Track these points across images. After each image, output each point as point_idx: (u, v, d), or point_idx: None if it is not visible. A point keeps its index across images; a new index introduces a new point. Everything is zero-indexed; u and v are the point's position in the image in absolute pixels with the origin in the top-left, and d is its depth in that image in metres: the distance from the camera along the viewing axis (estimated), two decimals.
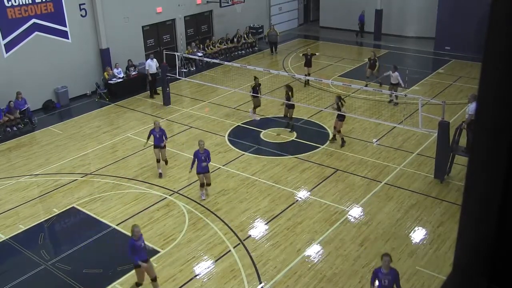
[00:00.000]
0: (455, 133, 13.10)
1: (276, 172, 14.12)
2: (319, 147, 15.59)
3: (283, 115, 17.05)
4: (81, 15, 20.57)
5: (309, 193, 13.04)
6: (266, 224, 11.76)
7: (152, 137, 13.80)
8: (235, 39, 27.15)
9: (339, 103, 15.13)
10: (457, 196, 12.52)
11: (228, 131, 17.13)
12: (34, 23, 19.08)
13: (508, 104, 1.60)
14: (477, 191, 1.81)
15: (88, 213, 12.54)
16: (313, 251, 10.74)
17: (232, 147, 15.89)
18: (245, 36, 27.67)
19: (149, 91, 20.95)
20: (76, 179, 14.27)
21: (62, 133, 17.66)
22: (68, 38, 20.27)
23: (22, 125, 18.17)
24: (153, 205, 12.74)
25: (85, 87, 21.19)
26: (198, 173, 12.49)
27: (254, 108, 17.99)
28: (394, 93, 17.93)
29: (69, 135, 17.46)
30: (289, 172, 14.09)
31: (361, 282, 9.71)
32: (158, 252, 10.80)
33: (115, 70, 21.24)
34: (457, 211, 11.49)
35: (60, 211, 12.67)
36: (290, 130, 16.77)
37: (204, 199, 12.74)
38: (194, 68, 24.41)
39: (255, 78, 17.98)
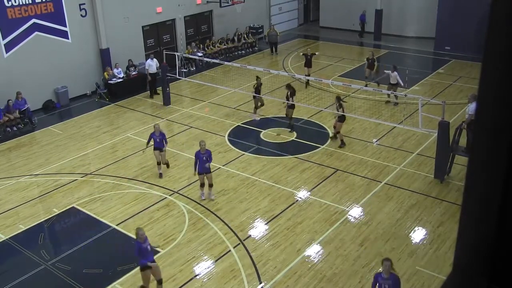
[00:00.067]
0: (455, 133, 13.10)
1: (276, 172, 14.12)
2: (319, 147, 15.59)
3: (285, 115, 17.02)
4: (81, 15, 20.57)
5: (309, 193, 13.04)
6: (266, 224, 11.76)
7: (152, 140, 13.77)
8: (235, 38, 27.14)
9: (339, 104, 15.15)
10: (457, 196, 12.52)
11: (228, 131, 17.13)
12: (34, 23, 19.08)
13: (508, 104, 1.60)
14: (477, 191, 1.81)
15: (88, 213, 12.54)
16: (313, 251, 10.74)
17: (232, 147, 15.89)
18: (245, 36, 27.68)
19: (151, 91, 20.93)
20: (76, 179, 14.27)
21: (62, 133, 17.66)
22: (68, 38, 20.28)
23: (22, 125, 18.17)
24: (153, 205, 12.74)
25: (85, 87, 21.19)
26: (199, 173, 12.43)
27: (255, 108, 17.96)
28: (394, 93, 17.93)
29: (69, 135, 17.46)
30: (289, 172, 14.09)
31: (361, 282, 9.71)
32: (158, 252, 10.79)
33: (115, 70, 21.24)
34: (457, 211, 11.49)
35: (60, 211, 12.67)
36: (290, 130, 16.76)
37: (204, 199, 12.74)
38: (194, 68, 24.42)
39: (257, 77, 17.96)
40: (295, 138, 16.38)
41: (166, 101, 19.67)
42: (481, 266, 1.84)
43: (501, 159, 1.67)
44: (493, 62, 1.64)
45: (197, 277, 10.09)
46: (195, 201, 12.78)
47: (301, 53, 22.65)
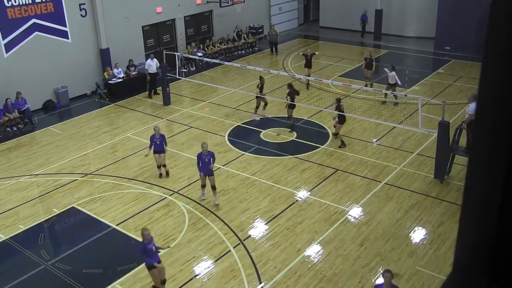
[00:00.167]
0: (455, 133, 13.10)
1: (276, 172, 14.12)
2: (319, 147, 15.59)
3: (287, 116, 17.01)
4: (81, 15, 20.57)
5: (309, 193, 13.04)
6: (266, 224, 11.76)
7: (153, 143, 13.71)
8: (235, 35, 27.10)
9: (337, 105, 15.16)
10: (457, 196, 12.52)
11: (228, 131, 17.13)
12: (34, 23, 19.08)
13: (508, 104, 1.60)
14: (477, 191, 1.81)
15: (88, 213, 12.54)
16: (313, 251, 10.74)
17: (232, 147, 15.89)
18: (245, 36, 27.69)
19: (150, 91, 20.90)
20: (76, 179, 14.27)
21: (62, 133, 17.66)
22: (68, 38, 20.28)
23: (22, 125, 18.17)
24: (153, 205, 12.73)
25: (85, 87, 21.19)
26: (201, 175, 12.38)
27: (256, 107, 17.93)
28: (393, 93, 17.93)
29: (69, 135, 17.46)
30: (289, 172, 14.09)
31: (361, 282, 9.71)
32: (159, 252, 10.77)
33: (115, 70, 21.24)
34: (457, 211, 11.49)
35: (60, 211, 12.67)
36: (290, 130, 16.76)
37: (204, 199, 12.73)
38: (194, 68, 24.42)
39: (261, 77, 17.94)
40: (295, 138, 16.38)
41: (166, 101, 19.67)
42: (481, 266, 1.84)
43: (501, 159, 1.67)
44: (493, 62, 1.64)
45: (197, 277, 10.09)
46: (195, 201, 12.78)
47: (301, 53, 22.64)
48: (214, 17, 26.93)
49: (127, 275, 10.16)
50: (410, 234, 11.19)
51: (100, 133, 17.56)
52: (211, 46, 25.86)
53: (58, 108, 20.08)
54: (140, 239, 11.19)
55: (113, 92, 20.83)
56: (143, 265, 10.28)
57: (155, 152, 13.65)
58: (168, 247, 10.37)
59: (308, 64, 21.10)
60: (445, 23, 25.27)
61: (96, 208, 12.68)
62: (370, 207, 12.29)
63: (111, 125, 18.34)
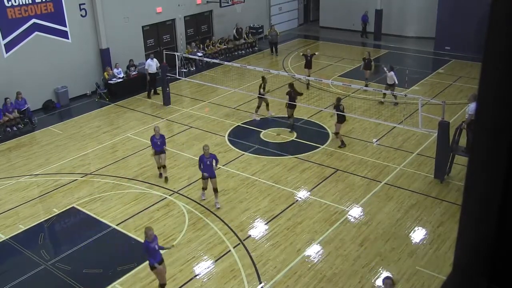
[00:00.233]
0: (455, 133, 13.09)
1: (276, 172, 14.12)
2: (319, 147, 15.59)
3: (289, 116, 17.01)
4: (81, 15, 20.57)
5: (309, 193, 13.04)
6: (266, 224, 11.76)
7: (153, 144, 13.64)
8: (235, 33, 27.07)
9: (336, 105, 15.18)
10: (457, 196, 12.52)
11: (228, 131, 17.13)
12: (34, 23, 19.08)
13: (508, 104, 1.60)
14: (477, 191, 1.81)
15: (88, 213, 12.54)
16: (313, 251, 10.74)
17: (232, 147, 15.89)
18: (245, 36, 27.69)
19: (150, 91, 20.89)
20: (76, 179, 14.27)
21: (62, 133, 17.66)
22: (68, 38, 20.28)
23: (22, 125, 18.17)
24: (153, 205, 12.73)
25: (85, 87, 21.19)
26: (203, 178, 12.30)
27: (258, 107, 17.91)
28: (393, 93, 17.94)
29: (69, 135, 17.46)
30: (289, 172, 14.09)
31: (361, 282, 9.71)
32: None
33: (115, 70, 21.24)
34: (457, 211, 11.49)
35: (60, 211, 12.67)
36: (290, 130, 16.75)
37: (204, 199, 12.72)
38: (194, 68, 24.42)
39: (263, 77, 17.93)
40: (295, 138, 16.38)
41: (166, 101, 19.67)
42: (481, 266, 1.84)
43: (501, 159, 1.67)
44: (493, 62, 1.64)
45: (197, 277, 10.09)
46: (195, 201, 12.78)
47: (301, 54, 22.63)
48: (214, 17, 26.94)
49: (127, 275, 10.16)
50: (410, 234, 11.19)
51: (100, 133, 17.56)
52: (211, 46, 25.86)
53: (58, 108, 20.09)
54: (139, 239, 11.23)
55: (113, 92, 20.83)
56: (143, 265, 10.30)
57: (155, 153, 13.62)
58: (173, 246, 10.31)
59: (308, 65, 21.08)
60: (445, 23, 25.27)
61: (96, 208, 12.68)
62: (370, 207, 12.29)
63: (111, 125, 18.34)
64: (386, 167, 14.21)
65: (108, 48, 21.43)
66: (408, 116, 16.82)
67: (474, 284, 1.87)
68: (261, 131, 16.97)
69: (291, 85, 16.81)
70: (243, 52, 27.27)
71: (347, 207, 12.29)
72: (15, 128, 17.94)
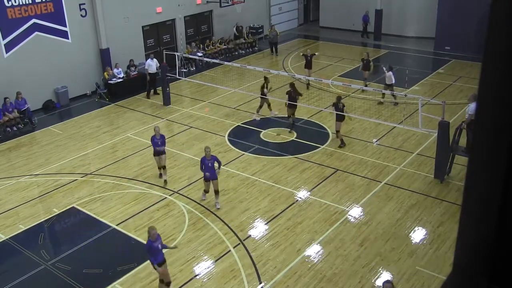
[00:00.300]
0: (455, 133, 13.09)
1: (276, 172, 14.12)
2: (319, 147, 15.59)
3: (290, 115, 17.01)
4: (81, 15, 20.57)
5: (309, 193, 13.04)
6: (266, 224, 11.76)
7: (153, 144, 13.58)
8: (235, 31, 27.04)
9: (336, 103, 15.20)
10: (457, 196, 12.52)
11: (228, 131, 17.13)
12: (34, 23, 19.09)
13: (508, 104, 1.60)
14: (477, 191, 1.81)
15: (88, 213, 12.54)
16: (313, 251, 10.74)
17: (232, 147, 15.89)
18: (245, 36, 27.69)
19: (149, 91, 20.88)
20: (76, 179, 14.27)
21: (62, 133, 17.66)
22: (68, 38, 20.28)
23: (22, 125, 18.18)
24: (153, 205, 12.73)
25: (85, 87, 21.20)
26: (205, 180, 12.24)
27: (260, 107, 17.90)
28: (392, 93, 17.94)
29: (69, 135, 17.46)
30: (289, 172, 14.09)
31: (361, 282, 9.71)
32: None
33: (115, 70, 21.24)
34: (457, 211, 11.49)
35: (60, 211, 12.67)
36: (289, 130, 16.75)
37: (204, 199, 12.70)
38: (194, 68, 24.41)
39: (266, 78, 17.91)
40: (295, 138, 16.38)
41: (166, 101, 19.67)
42: (481, 266, 1.84)
43: (501, 159, 1.67)
44: (493, 62, 1.64)
45: (197, 277, 10.09)
46: (195, 201, 12.77)
47: (301, 54, 22.61)
48: (214, 17, 26.94)
49: (127, 275, 10.16)
50: (410, 234, 11.19)
51: (100, 133, 17.56)
52: (211, 46, 25.86)
53: (58, 108, 20.09)
54: (139, 239, 11.24)
55: (113, 92, 20.84)
56: (143, 265, 10.31)
57: (155, 154, 13.56)
58: (176, 247, 10.28)
59: (308, 65, 21.07)
60: (445, 23, 25.26)
61: (96, 208, 12.68)
62: (370, 207, 12.29)
63: (111, 125, 18.34)
64: (386, 167, 14.21)
65: (108, 48, 21.43)
66: (408, 116, 16.82)
67: (474, 284, 1.87)
68: (261, 131, 16.97)
69: (292, 85, 16.82)
70: (243, 52, 27.27)
71: (347, 207, 12.29)
72: (15, 128, 17.94)
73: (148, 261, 10.03)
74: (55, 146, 16.55)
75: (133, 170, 14.57)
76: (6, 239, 11.58)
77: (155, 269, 9.07)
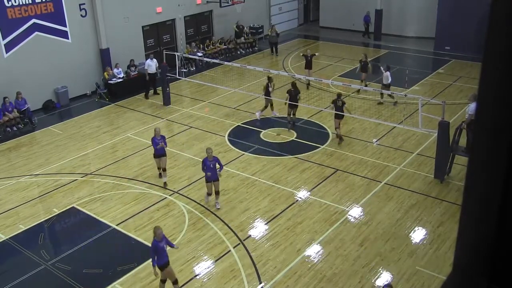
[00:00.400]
0: (455, 133, 13.10)
1: (276, 172, 14.12)
2: (319, 147, 15.59)
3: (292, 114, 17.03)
4: (81, 15, 20.57)
5: (309, 193, 13.04)
6: (266, 224, 11.76)
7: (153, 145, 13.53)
8: (235, 30, 27.01)
9: (338, 102, 15.22)
10: (457, 196, 12.52)
11: (228, 131, 17.13)
12: (34, 23, 19.08)
13: (508, 104, 1.60)
14: (477, 191, 1.81)
15: (88, 213, 12.54)
16: (313, 251, 10.74)
17: (232, 147, 15.89)
18: (245, 36, 27.69)
19: (148, 91, 20.85)
20: (76, 179, 14.27)
21: (62, 133, 17.66)
22: (68, 38, 20.28)
23: (22, 125, 18.17)
24: (153, 205, 12.73)
25: (85, 87, 21.19)
26: (206, 181, 12.20)
27: (265, 107, 17.89)
28: (392, 93, 17.94)
29: (69, 135, 17.46)
30: (289, 172, 14.09)
31: (361, 282, 9.71)
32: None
33: (115, 70, 21.24)
34: (457, 211, 11.49)
35: (60, 211, 12.67)
36: (289, 129, 16.76)
37: (208, 202, 12.63)
38: (194, 68, 24.41)
39: (270, 78, 17.90)
40: (295, 138, 16.38)
41: (166, 101, 19.66)
42: (481, 266, 1.84)
43: (501, 159, 1.67)
44: (493, 62, 1.64)
45: (197, 277, 10.09)
46: (195, 201, 12.77)
47: (301, 54, 22.60)
48: (214, 17, 26.93)
49: (127, 275, 10.16)
50: (410, 234, 11.19)
51: (100, 133, 17.56)
52: (211, 46, 25.86)
53: (58, 108, 20.08)
54: (140, 239, 11.24)
55: (113, 92, 20.83)
56: (143, 265, 10.31)
57: (156, 156, 13.47)
58: (177, 247, 10.29)
59: (309, 65, 21.05)
60: (445, 23, 25.26)
61: (96, 208, 12.68)
62: (370, 207, 12.29)
63: (111, 125, 18.34)
64: (386, 167, 14.21)
65: (108, 48, 21.43)
66: (408, 116, 16.82)
67: (474, 284, 1.87)
68: (261, 131, 16.98)
69: (293, 84, 16.85)
70: (243, 52, 27.27)
71: (347, 207, 12.29)
72: (15, 128, 17.94)
73: (148, 262, 10.05)
74: (55, 146, 16.55)
75: (133, 170, 14.57)
76: (6, 239, 11.58)
77: (154, 270, 9.03)
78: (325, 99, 19.08)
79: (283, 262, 10.37)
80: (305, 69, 21.18)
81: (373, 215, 11.94)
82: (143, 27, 23.30)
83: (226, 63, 21.17)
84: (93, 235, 11.64)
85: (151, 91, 20.92)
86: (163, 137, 13.51)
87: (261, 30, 29.00)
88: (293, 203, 12.59)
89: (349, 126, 16.74)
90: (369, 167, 14.24)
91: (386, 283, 9.30)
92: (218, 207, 12.35)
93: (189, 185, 13.58)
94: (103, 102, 20.61)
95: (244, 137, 16.66)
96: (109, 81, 20.88)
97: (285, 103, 16.75)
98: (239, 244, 11.02)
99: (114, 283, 9.97)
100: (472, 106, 13.16)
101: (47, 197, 13.36)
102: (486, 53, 1.64)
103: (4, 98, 17.83)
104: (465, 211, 1.89)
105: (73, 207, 12.85)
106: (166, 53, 21.00)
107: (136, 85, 21.25)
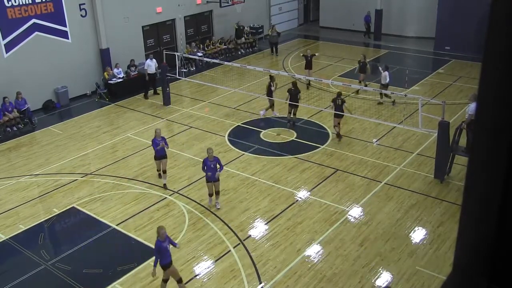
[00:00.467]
0: (455, 133, 13.10)
1: (276, 172, 14.12)
2: (319, 147, 15.59)
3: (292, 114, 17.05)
4: (81, 15, 20.57)
5: (309, 193, 13.04)
6: (266, 224, 11.76)
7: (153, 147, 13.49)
8: (236, 28, 26.99)
9: (338, 101, 15.23)
10: (457, 196, 12.52)
11: (228, 131, 17.13)
12: (34, 23, 19.08)
13: (508, 104, 1.60)
14: (477, 191, 1.81)
15: (88, 213, 12.54)
16: (313, 251, 10.74)
17: (232, 147, 15.89)
18: (245, 36, 27.69)
19: (148, 91, 20.85)
20: (76, 179, 14.27)
21: (62, 133, 17.66)
22: (68, 38, 20.28)
23: (22, 125, 18.17)
24: (153, 205, 12.73)
25: (85, 87, 21.19)
26: (207, 181, 12.19)
27: (270, 107, 17.91)
28: (391, 92, 17.93)
29: (69, 135, 17.46)
30: (289, 172, 14.09)
31: (361, 282, 9.71)
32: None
33: (115, 70, 21.24)
34: (457, 211, 11.49)
35: (60, 211, 12.67)
36: (288, 128, 16.77)
37: (211, 204, 12.61)
38: (194, 68, 24.41)
39: (272, 77, 17.90)
40: (295, 138, 16.38)
41: (166, 101, 19.66)
42: (481, 266, 1.84)
43: (501, 159, 1.66)
44: (493, 62, 1.64)
45: (197, 277, 10.09)
46: (195, 201, 12.77)
47: (301, 54, 22.60)
48: (214, 17, 26.93)
49: (127, 275, 10.16)
50: (410, 234, 11.19)
51: (100, 133, 17.56)
52: (211, 46, 25.86)
53: (58, 108, 20.08)
54: (140, 239, 11.24)
55: (113, 92, 20.83)
56: (143, 265, 10.31)
57: (156, 158, 13.40)
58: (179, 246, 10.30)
59: (309, 65, 21.04)
60: (445, 23, 25.26)
61: (96, 208, 12.68)
62: (370, 207, 12.29)
63: (111, 125, 18.34)
64: (386, 167, 14.21)
65: (108, 48, 21.43)
66: (408, 116, 16.82)
67: (474, 284, 1.87)
68: (261, 131, 16.98)
69: (294, 84, 16.87)
70: (243, 52, 27.27)
71: (347, 207, 12.29)
72: (15, 128, 17.94)
73: (148, 262, 10.06)
74: (55, 146, 16.55)
75: (133, 170, 14.57)
76: (6, 239, 11.58)
77: (154, 270, 9.03)
78: (325, 99, 19.08)
79: (283, 262, 10.37)
80: (305, 69, 21.17)
81: (373, 215, 11.94)
82: (143, 27, 23.31)
83: (226, 63, 21.17)
84: (93, 235, 11.64)
85: (151, 91, 20.92)
86: (163, 138, 13.47)
87: (261, 30, 29.00)
88: (293, 203, 12.59)
89: (349, 126, 16.75)
90: (369, 167, 14.25)
91: (386, 284, 9.29)
92: (218, 207, 12.35)
93: (189, 185, 13.58)
94: (103, 102, 20.61)
95: (244, 137, 16.66)
96: (109, 81, 20.88)
97: (286, 102, 16.75)
98: (239, 244, 11.02)
99: (114, 283, 9.97)
100: (472, 106, 13.16)
101: (47, 197, 13.36)
102: (486, 53, 1.63)
103: (4, 98, 17.83)
104: (465, 211, 1.89)
105: (73, 207, 12.85)
106: (166, 53, 21.00)
107: (136, 85, 21.24)
